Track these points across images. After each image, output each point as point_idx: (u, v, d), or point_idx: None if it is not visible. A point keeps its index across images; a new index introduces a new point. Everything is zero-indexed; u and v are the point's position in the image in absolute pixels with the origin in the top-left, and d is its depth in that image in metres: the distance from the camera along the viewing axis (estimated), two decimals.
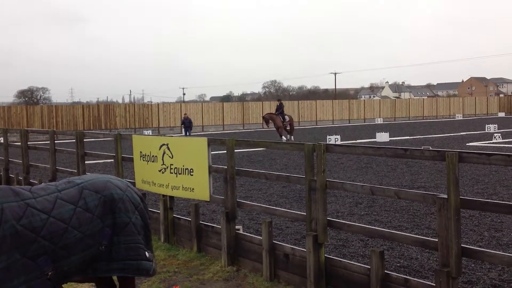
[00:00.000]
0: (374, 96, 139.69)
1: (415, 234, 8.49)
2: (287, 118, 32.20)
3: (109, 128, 46.56)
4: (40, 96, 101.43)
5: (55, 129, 38.45)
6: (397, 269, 7.06)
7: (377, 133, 32.64)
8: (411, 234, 7.77)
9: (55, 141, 12.67)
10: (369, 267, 5.79)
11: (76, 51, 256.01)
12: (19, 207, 4.20)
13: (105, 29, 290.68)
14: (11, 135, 28.52)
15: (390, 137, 31.78)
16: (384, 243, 8.34)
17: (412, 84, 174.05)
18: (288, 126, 32.09)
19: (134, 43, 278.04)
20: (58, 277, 4.36)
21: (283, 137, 31.25)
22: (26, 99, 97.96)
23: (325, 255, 6.41)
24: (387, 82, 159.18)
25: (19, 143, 14.15)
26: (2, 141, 15.75)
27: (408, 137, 32.97)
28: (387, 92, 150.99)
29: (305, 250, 6.47)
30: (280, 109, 32.42)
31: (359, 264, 6.17)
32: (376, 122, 58.82)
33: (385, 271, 5.70)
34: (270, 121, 32.08)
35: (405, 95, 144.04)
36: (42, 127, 43.11)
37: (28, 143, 14.15)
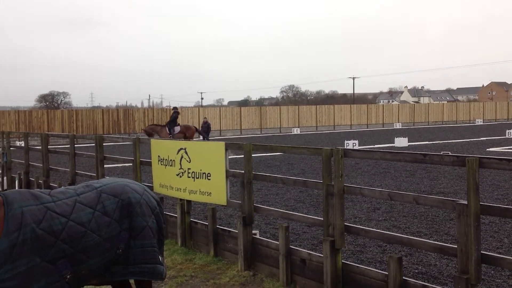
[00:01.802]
0: (393, 101, 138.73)
1: (434, 240, 8.40)
2: (177, 129, 27.36)
3: (128, 132, 46.93)
4: (61, 100, 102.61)
5: (75, 133, 38.87)
6: (415, 276, 6.99)
7: (395, 138, 32.40)
8: (429, 240, 7.69)
9: (75, 145, 12.81)
10: (387, 273, 5.74)
11: (96, 56, 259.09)
12: (39, 210, 4.25)
13: (125, 35, 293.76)
14: (32, 139, 28.92)
15: (409, 142, 31.52)
16: (402, 249, 8.26)
17: (432, 88, 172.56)
18: (184, 137, 26.83)
19: (154, 49, 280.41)
20: (76, 280, 4.40)
21: None
22: (47, 103, 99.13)
23: (342, 261, 6.37)
24: (406, 86, 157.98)
25: (40, 147, 14.34)
26: (23, 144, 15.96)
27: (427, 142, 32.67)
28: (406, 96, 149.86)
29: (322, 255, 6.44)
30: (172, 118, 27.95)
31: (377, 270, 6.12)
32: (395, 127, 58.39)
33: (403, 278, 5.64)
34: (154, 133, 27.65)
35: (425, 100, 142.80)
36: (63, 131, 43.60)
37: (48, 147, 14.31)
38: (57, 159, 22.96)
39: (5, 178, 15.78)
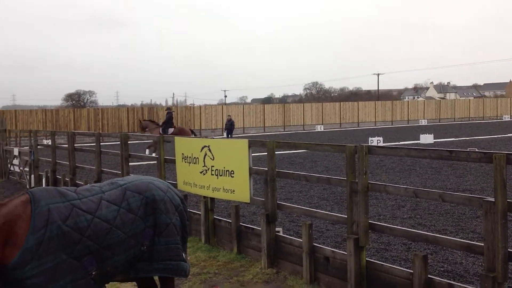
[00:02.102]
0: (418, 97, 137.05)
1: (460, 238, 8.28)
2: (171, 131, 26.22)
3: None
4: (87, 99, 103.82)
5: (100, 132, 39.34)
6: (440, 274, 6.90)
7: (421, 135, 32.02)
8: (455, 238, 7.59)
9: (101, 143, 12.97)
10: (412, 271, 5.68)
11: (122, 56, 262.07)
12: (65, 207, 4.31)
13: (149, 33, 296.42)
14: (59, 137, 29.38)
15: (434, 138, 31.12)
16: (428, 247, 8.17)
17: (458, 84, 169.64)
18: None
19: (177, 47, 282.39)
20: (101, 277, 4.45)
21: (149, 150, 24.37)
22: (74, 102, 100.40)
23: (367, 259, 6.32)
24: (432, 82, 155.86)
25: (66, 145, 14.56)
26: (50, 143, 16.23)
27: (453, 139, 32.22)
28: (431, 93, 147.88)
29: (345, 253, 6.41)
30: (166, 119, 27.08)
31: (402, 268, 6.06)
32: (420, 124, 57.72)
33: (429, 276, 5.58)
34: (147, 129, 26.78)
35: (451, 96, 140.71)
36: (89, 129, 44.19)
37: (75, 145, 14.52)
38: (83, 157, 23.28)
39: (32, 176, 16.08)
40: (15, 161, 18.55)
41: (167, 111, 28.07)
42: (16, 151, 18.34)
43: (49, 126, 43.10)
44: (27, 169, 16.95)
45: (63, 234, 4.19)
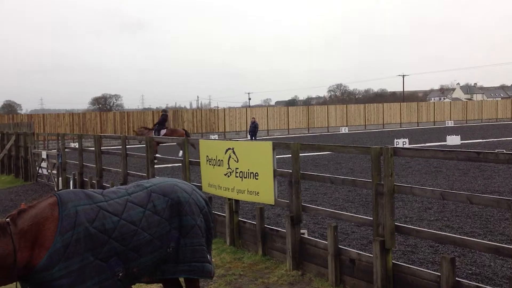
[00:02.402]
0: (444, 98, 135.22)
1: (488, 240, 8.14)
2: (163, 132, 26.30)
3: None
4: (113, 103, 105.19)
5: (126, 135, 39.76)
6: (468, 277, 6.80)
7: (447, 136, 31.59)
8: (483, 240, 7.46)
9: (127, 146, 13.11)
10: (439, 274, 5.61)
11: (146, 59, 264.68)
12: (92, 209, 4.37)
13: (174, 36, 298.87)
14: (86, 140, 29.81)
15: (461, 140, 30.66)
16: (455, 250, 8.05)
17: (485, 85, 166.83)
18: None
19: (201, 50, 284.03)
20: (128, 278, 4.49)
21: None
22: (100, 105, 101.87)
23: (393, 261, 6.26)
24: (458, 83, 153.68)
25: (93, 148, 14.76)
26: (77, 146, 16.47)
27: (480, 140, 31.69)
28: (458, 94, 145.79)
29: (371, 255, 6.35)
30: (159, 121, 27.30)
31: (429, 271, 5.98)
32: (447, 125, 56.94)
33: (456, 279, 5.50)
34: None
35: (478, 97, 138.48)
36: (115, 132, 44.71)
37: (101, 148, 14.71)
38: (110, 160, 23.56)
39: (60, 178, 16.34)
40: (43, 164, 18.88)
41: (162, 113, 28.32)
42: (44, 154, 18.67)
43: (76, 130, 43.74)
44: (55, 171, 17.23)
45: (90, 236, 4.24)
